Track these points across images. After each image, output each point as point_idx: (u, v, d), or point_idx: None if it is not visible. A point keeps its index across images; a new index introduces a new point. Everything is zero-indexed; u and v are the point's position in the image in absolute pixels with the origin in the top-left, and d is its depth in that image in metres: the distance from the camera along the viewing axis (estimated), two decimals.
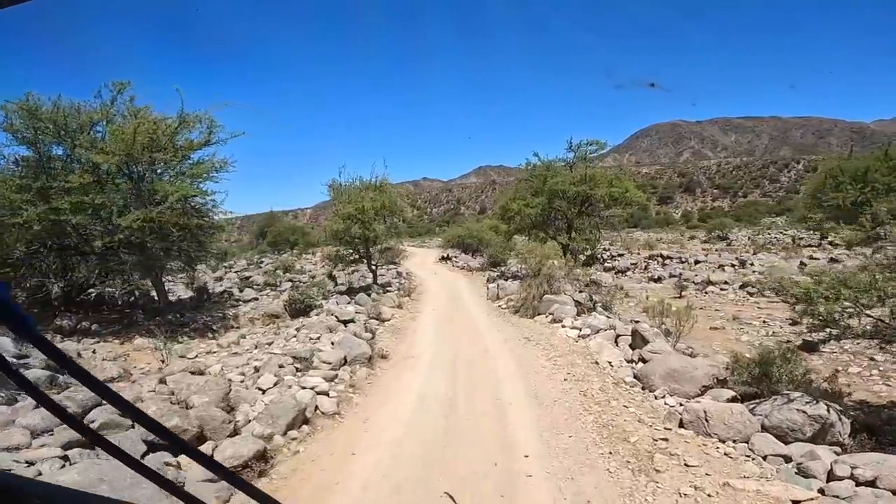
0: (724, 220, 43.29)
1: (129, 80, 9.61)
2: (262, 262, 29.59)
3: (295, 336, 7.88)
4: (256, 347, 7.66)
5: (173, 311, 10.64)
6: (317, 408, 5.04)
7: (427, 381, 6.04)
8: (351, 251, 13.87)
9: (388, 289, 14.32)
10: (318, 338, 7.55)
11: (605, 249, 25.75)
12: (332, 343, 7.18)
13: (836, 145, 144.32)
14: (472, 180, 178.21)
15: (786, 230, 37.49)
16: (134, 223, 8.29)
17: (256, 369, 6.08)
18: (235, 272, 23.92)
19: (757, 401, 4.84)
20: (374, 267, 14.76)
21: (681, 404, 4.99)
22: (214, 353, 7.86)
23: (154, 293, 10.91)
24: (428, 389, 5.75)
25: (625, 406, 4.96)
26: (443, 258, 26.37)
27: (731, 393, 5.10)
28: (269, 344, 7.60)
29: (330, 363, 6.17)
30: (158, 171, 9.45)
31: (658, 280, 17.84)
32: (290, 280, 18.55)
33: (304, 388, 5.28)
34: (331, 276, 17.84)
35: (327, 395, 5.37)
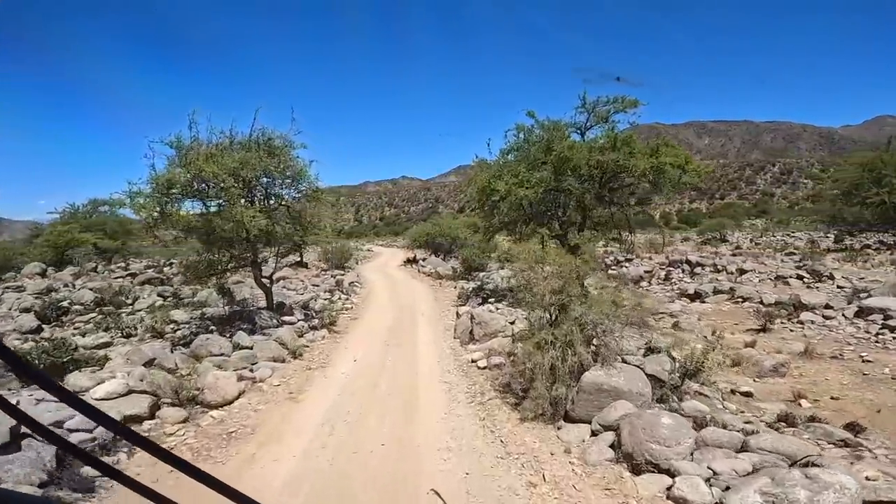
0: (723, 220, 39.77)
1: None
2: (171, 264, 23.13)
3: None
4: None
5: None
6: None
7: None
8: (211, 256, 7.78)
9: (289, 318, 8.46)
10: None
11: (606, 252, 20.78)
12: None
13: (806, 149, 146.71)
14: (452, 179, 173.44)
15: (793, 232, 33.96)
16: None
17: None
18: (117, 279, 17.46)
19: None
20: (267, 282, 8.81)
21: None
22: None
23: None
24: None
25: None
26: (409, 261, 21.67)
27: None
28: None
29: None
30: None
31: (698, 297, 12.61)
32: (160, 295, 12.39)
33: None
34: (221, 290, 11.78)
35: None
